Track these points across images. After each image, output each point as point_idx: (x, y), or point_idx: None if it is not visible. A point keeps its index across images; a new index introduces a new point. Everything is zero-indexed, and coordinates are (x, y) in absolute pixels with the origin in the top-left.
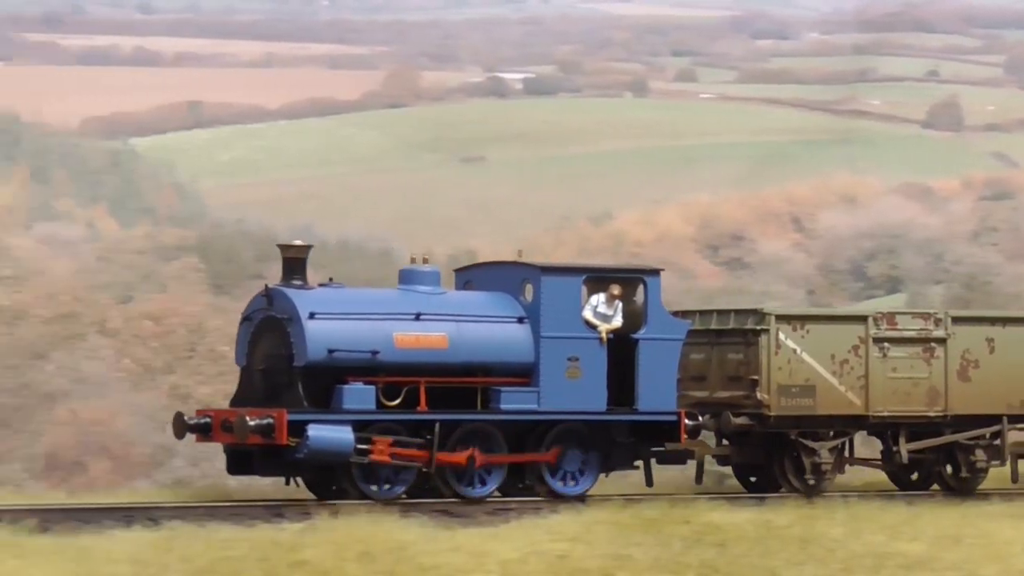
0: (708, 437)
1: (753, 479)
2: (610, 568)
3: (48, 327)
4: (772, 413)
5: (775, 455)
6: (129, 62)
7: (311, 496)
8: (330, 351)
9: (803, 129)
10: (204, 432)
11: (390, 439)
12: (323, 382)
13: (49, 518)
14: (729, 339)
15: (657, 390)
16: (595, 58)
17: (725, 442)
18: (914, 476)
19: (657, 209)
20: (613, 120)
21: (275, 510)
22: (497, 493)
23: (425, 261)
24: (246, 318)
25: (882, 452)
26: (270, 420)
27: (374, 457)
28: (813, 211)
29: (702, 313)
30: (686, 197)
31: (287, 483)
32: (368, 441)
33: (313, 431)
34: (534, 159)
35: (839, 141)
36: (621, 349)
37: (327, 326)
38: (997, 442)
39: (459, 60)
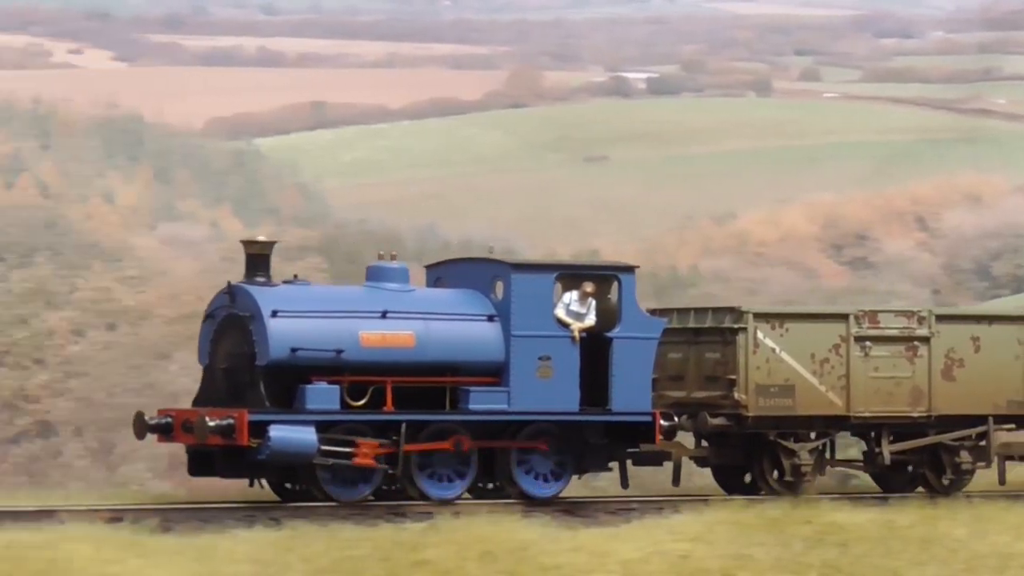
0: (686, 438)
1: (747, 480)
2: (731, 568)
3: (171, 327)
4: (750, 414)
5: (754, 457)
6: (252, 63)
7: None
8: (293, 350)
9: (927, 128)
10: (165, 432)
11: (377, 442)
12: (286, 381)
13: (171, 518)
14: (707, 338)
15: (631, 390)
16: (719, 57)
17: (704, 443)
18: (900, 478)
19: (781, 209)
20: (736, 120)
21: (397, 510)
22: (467, 495)
23: (393, 257)
24: (209, 316)
25: (864, 453)
26: (231, 420)
27: (358, 460)
28: (937, 210)
29: (679, 311)
30: (810, 196)
31: (251, 485)
32: (337, 442)
33: (275, 432)
34: (657, 159)
35: (964, 140)
36: (595, 348)
37: (290, 324)
38: (983, 443)
39: (582, 60)
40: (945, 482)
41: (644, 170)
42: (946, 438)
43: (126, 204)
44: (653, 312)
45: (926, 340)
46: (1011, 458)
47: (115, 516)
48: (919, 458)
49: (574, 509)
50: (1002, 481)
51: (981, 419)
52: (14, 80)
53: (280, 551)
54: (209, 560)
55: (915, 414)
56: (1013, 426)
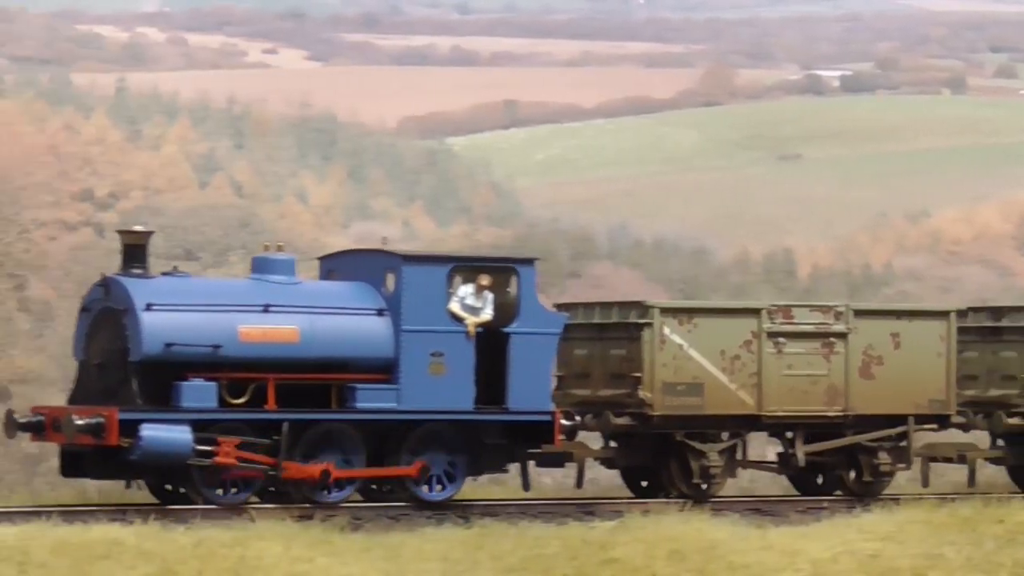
0: (593, 438)
1: (644, 483)
2: (922, 567)
3: None
4: (656, 413)
5: (662, 458)
6: (445, 62)
7: (627, 495)
8: (167, 345)
9: None
10: (37, 431)
11: (237, 440)
12: (161, 378)
13: (361, 516)
14: (612, 334)
15: (530, 388)
16: (913, 55)
17: (613, 444)
18: (820, 480)
19: (975, 207)
20: (931, 117)
21: (586, 508)
22: (358, 495)
23: (280, 249)
24: (84, 309)
25: (779, 455)
26: (100, 419)
27: (218, 460)
28: None
29: (586, 306)
30: (1005, 195)
31: (127, 487)
32: (212, 442)
33: (147, 431)
34: (851, 157)
35: None
36: (492, 344)
37: (165, 318)
38: (903, 444)
39: (775, 58)
40: (862, 484)
41: (838, 168)
42: (864, 439)
43: (319, 203)
44: (560, 307)
45: (843, 336)
46: (935, 459)
47: (305, 514)
48: (836, 459)
49: (764, 508)
50: (925, 483)
51: (901, 419)
52: (209, 80)
53: (469, 549)
54: (398, 558)
55: (831, 414)
56: (935, 426)
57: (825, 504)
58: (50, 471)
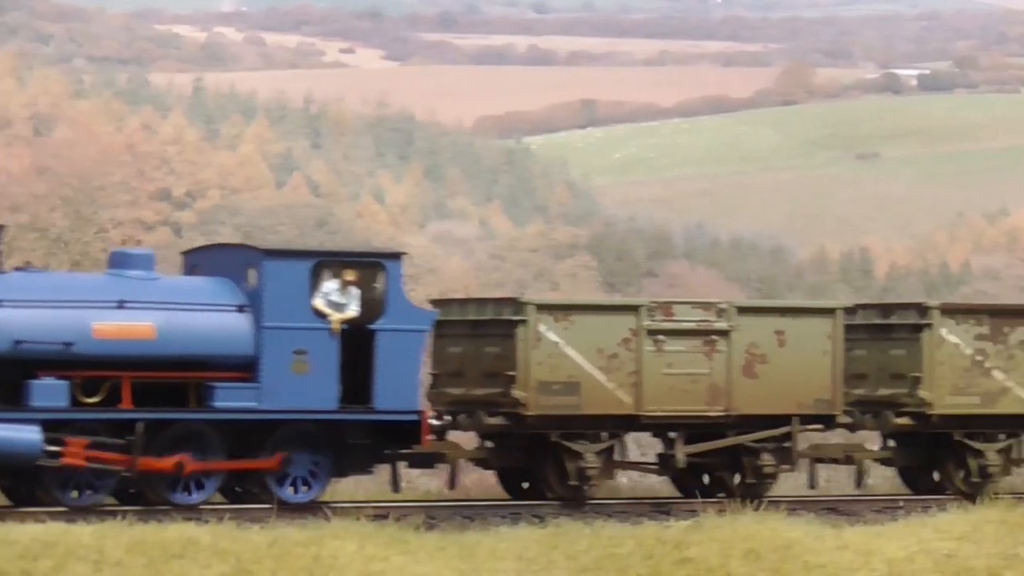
0: (469, 438)
1: (525, 485)
2: (997, 567)
3: None
4: (530, 413)
5: (538, 459)
6: (523, 61)
7: (688, 495)
8: (16, 342)
9: None
10: None
11: (85, 440)
12: (11, 377)
13: (436, 515)
14: (487, 331)
15: (397, 386)
16: (992, 53)
17: (489, 444)
18: (706, 481)
19: None
20: (1010, 116)
21: (662, 508)
22: (221, 497)
23: (138, 243)
24: None
25: (659, 456)
26: None
27: (66, 460)
28: None
29: (461, 302)
30: None
31: None
32: (61, 443)
33: None
34: (929, 156)
35: None
36: (358, 342)
37: (14, 314)
38: (787, 444)
39: (853, 56)
40: (746, 486)
41: (915, 167)
42: (746, 439)
43: (396, 203)
44: (435, 303)
45: (725, 334)
46: (821, 460)
47: (380, 513)
48: (718, 461)
49: (840, 507)
50: (812, 485)
51: (785, 419)
52: (286, 80)
53: (544, 548)
54: (472, 558)
55: (713, 413)
56: (821, 427)
57: (901, 504)
58: None
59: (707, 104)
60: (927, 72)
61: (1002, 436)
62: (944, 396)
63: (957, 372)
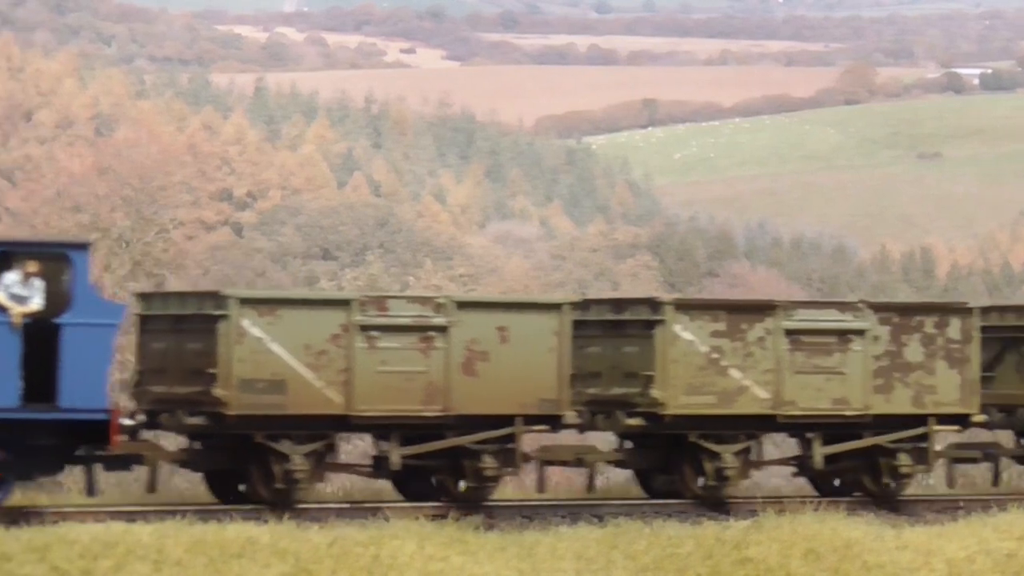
0: (171, 438)
1: (241, 488)
2: None
3: None
4: (231, 412)
5: (244, 461)
6: (584, 61)
7: (762, 496)
8: None
9: None
10: None
11: None
12: None
13: (495, 515)
14: (189, 326)
15: (84, 384)
16: None
17: (197, 445)
18: (419, 484)
19: None
20: None
21: (722, 507)
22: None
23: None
24: None
25: (374, 458)
26: None
27: None
28: None
29: (164, 296)
30: None
31: None
32: None
33: None
34: (991, 155)
35: None
36: (42, 336)
37: None
38: (511, 446)
39: (915, 56)
40: (470, 489)
41: (977, 166)
42: (466, 441)
43: (457, 202)
44: (139, 297)
45: (443, 330)
46: (551, 463)
47: (439, 513)
48: (439, 463)
49: (900, 507)
50: (540, 488)
51: (509, 419)
52: (347, 80)
53: (603, 548)
54: (532, 557)
55: (429, 414)
56: (547, 427)
57: (961, 504)
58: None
59: (768, 103)
60: (989, 71)
61: (740, 437)
62: (678, 396)
63: (692, 371)
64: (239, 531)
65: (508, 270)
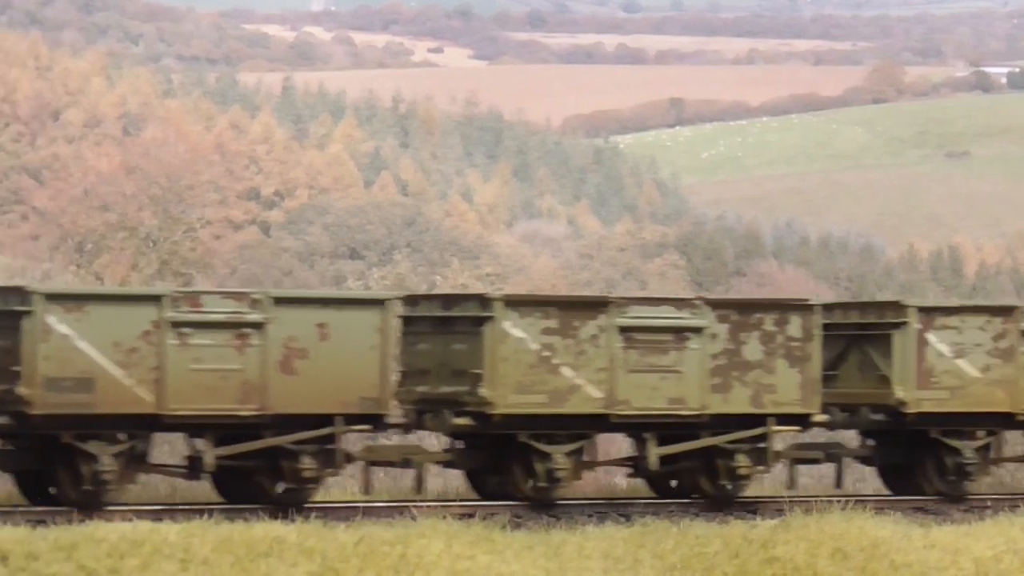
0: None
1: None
2: None
3: None
4: (36, 412)
5: (50, 461)
6: (612, 60)
7: (788, 493)
8: None
9: None
10: None
11: None
12: None
13: (522, 514)
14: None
15: None
16: None
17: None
18: (243, 485)
19: None
20: None
21: (749, 507)
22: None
23: None
24: None
25: (188, 459)
26: None
27: None
28: None
29: None
30: None
31: None
32: None
33: None
34: (1019, 154)
35: None
36: None
37: None
38: (332, 446)
39: (943, 55)
40: (286, 491)
41: (1006, 165)
42: (284, 441)
43: (484, 202)
44: None
45: (260, 327)
46: (376, 464)
47: (466, 512)
48: (256, 464)
49: (928, 507)
50: (365, 490)
51: (328, 419)
52: (375, 79)
53: (631, 548)
54: (559, 556)
55: (245, 413)
56: (369, 427)
57: (988, 503)
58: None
59: (796, 102)
60: (1017, 70)
61: (571, 438)
62: (507, 395)
63: (522, 369)
64: (266, 530)
65: (535, 269)
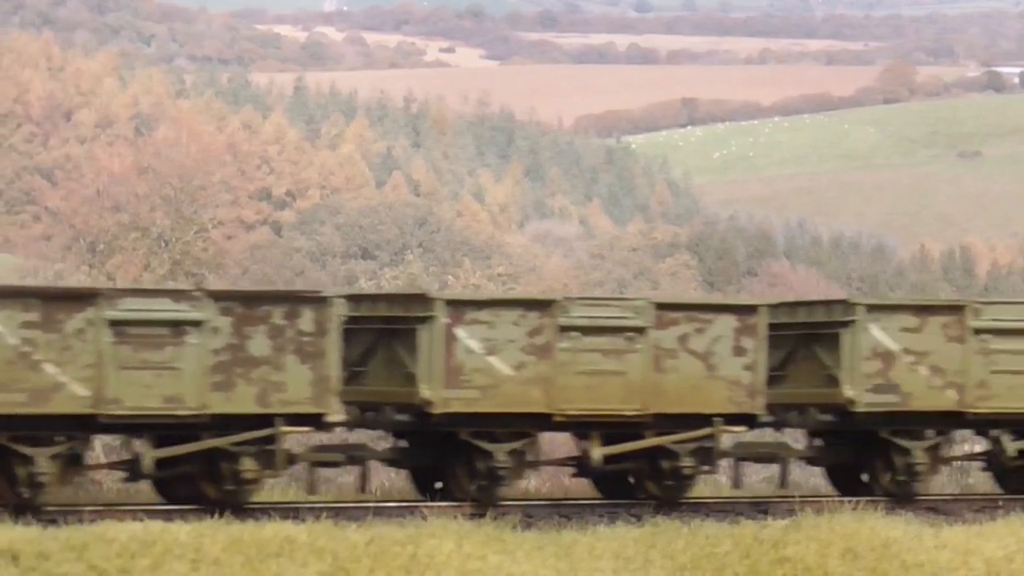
0: None
1: None
2: None
3: None
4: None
5: None
6: (623, 60)
7: (800, 493)
8: None
9: None
10: None
11: None
12: None
13: (533, 514)
14: None
15: None
16: None
17: None
18: None
19: None
20: None
21: (760, 507)
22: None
23: None
24: None
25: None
26: None
27: None
28: None
29: None
30: None
31: None
32: None
33: None
34: None
35: None
36: None
37: None
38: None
39: (955, 55)
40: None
41: (1018, 165)
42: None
43: (496, 202)
44: None
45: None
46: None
47: (477, 512)
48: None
49: (939, 507)
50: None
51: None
52: (386, 79)
53: (642, 547)
54: (570, 556)
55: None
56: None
57: (1000, 503)
58: None
59: (808, 102)
60: None
61: (58, 439)
62: None
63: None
64: (277, 530)
65: (547, 269)
